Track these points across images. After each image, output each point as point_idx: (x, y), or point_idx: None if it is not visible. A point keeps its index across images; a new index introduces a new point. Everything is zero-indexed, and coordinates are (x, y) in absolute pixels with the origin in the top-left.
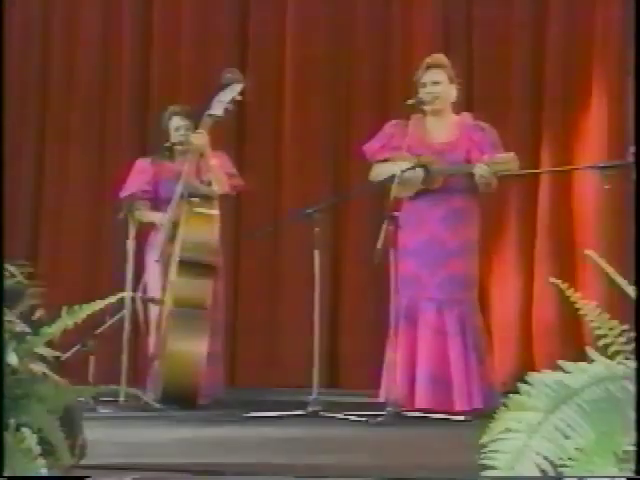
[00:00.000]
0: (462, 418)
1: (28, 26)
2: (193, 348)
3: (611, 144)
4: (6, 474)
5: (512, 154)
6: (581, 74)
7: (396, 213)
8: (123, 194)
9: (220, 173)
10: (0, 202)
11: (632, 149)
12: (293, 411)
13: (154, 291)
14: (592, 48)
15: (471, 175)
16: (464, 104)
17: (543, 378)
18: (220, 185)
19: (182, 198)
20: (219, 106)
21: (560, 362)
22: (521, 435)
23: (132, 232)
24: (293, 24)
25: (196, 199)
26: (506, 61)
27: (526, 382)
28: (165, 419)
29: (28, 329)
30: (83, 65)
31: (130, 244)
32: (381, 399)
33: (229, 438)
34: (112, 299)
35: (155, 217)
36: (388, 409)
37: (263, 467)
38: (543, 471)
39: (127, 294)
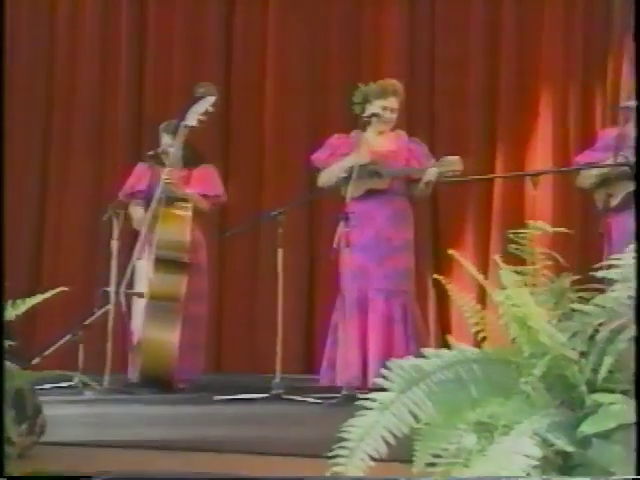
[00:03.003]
0: None
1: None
2: (167, 337)
3: (555, 151)
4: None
5: (457, 157)
6: (530, 90)
7: (350, 214)
8: (122, 194)
9: (197, 197)
10: (1, 206)
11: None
12: (259, 394)
13: (139, 286)
14: (539, 68)
15: (409, 182)
16: (428, 115)
17: (401, 363)
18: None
19: (160, 200)
20: (193, 117)
21: (422, 349)
22: (374, 412)
23: (116, 232)
24: (274, 41)
25: (173, 202)
26: (465, 77)
27: (387, 367)
28: (141, 401)
29: None
30: (83, 80)
31: (114, 244)
32: (338, 382)
33: (191, 417)
34: (49, 295)
35: (138, 214)
36: (343, 391)
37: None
38: (387, 443)
39: (111, 289)
